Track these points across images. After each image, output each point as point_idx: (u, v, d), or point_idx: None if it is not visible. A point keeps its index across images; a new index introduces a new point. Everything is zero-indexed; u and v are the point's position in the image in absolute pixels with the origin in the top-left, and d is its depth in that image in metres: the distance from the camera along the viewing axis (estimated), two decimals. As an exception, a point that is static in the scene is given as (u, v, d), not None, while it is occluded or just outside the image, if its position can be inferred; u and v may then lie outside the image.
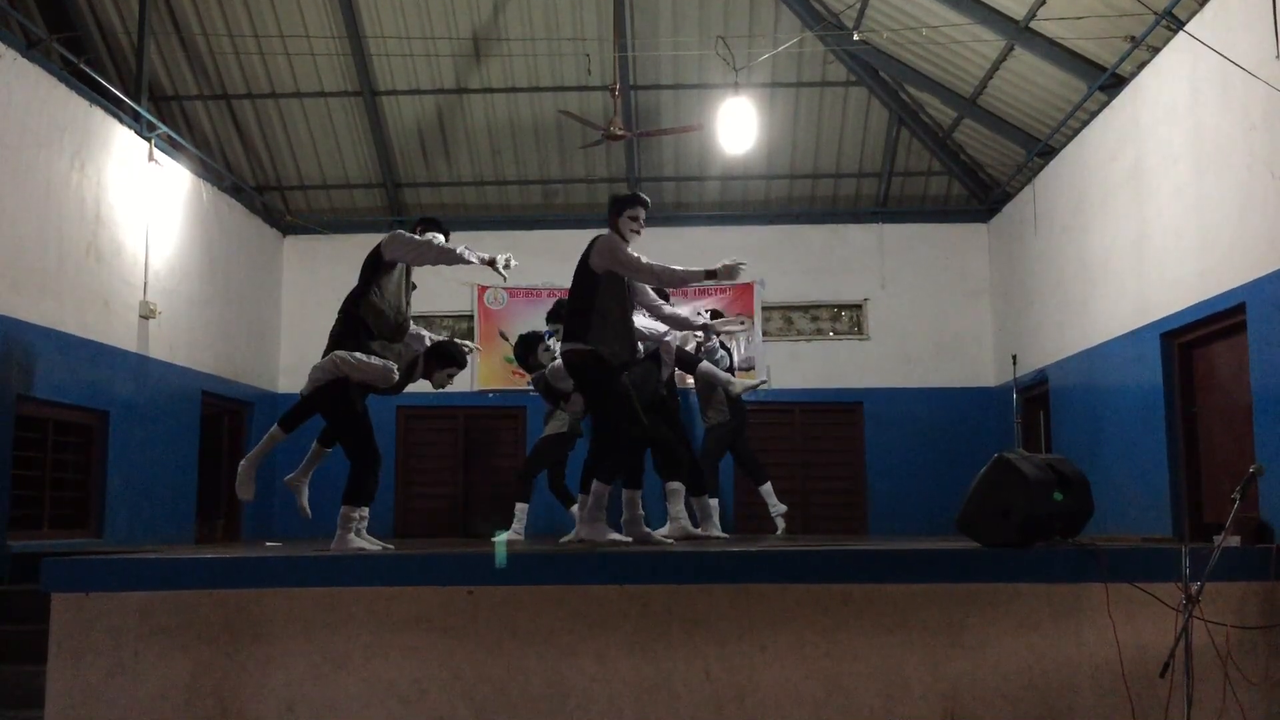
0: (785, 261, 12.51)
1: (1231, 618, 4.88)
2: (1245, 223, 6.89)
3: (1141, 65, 8.43)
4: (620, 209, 6.10)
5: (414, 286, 6.44)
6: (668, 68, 11.62)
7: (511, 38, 11.28)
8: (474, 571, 5.01)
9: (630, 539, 6.11)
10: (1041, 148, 10.49)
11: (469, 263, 5.93)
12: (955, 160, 12.27)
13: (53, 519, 8.42)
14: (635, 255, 6.00)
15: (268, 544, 7.39)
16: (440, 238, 6.32)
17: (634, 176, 12.47)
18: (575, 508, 8.23)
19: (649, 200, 6.27)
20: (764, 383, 9.99)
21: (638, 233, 6.12)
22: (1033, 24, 8.94)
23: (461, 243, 6.14)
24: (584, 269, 6.03)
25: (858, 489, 12.18)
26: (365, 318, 5.96)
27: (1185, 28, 7.47)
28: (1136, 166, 8.53)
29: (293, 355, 12.26)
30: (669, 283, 6.29)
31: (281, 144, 12.21)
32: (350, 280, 6.13)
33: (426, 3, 10.99)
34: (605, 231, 6.15)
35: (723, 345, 8.50)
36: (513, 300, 12.28)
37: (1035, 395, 11.09)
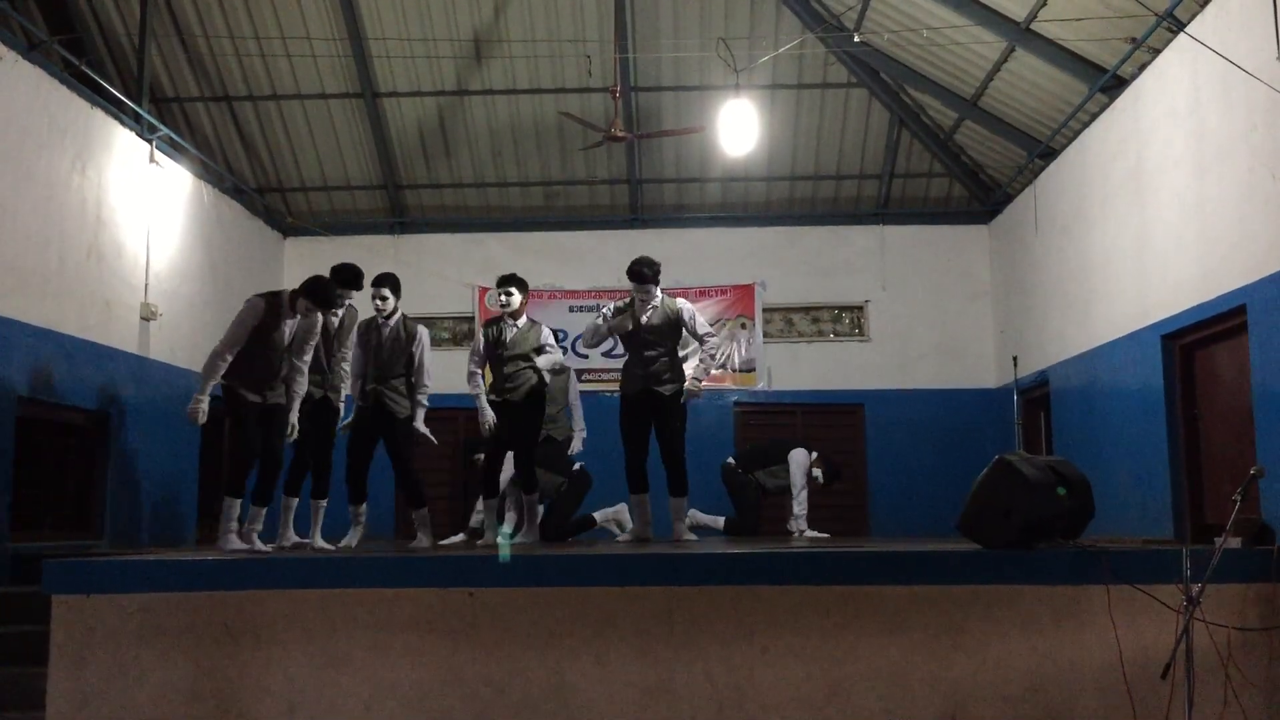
0: (786, 263, 12.53)
1: (1233, 619, 4.88)
2: (1246, 224, 6.89)
3: (1142, 67, 8.43)
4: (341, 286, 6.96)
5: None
6: (668, 69, 11.62)
7: (512, 39, 11.28)
8: (475, 573, 5.01)
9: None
10: (1042, 149, 10.49)
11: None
12: (956, 162, 12.27)
13: (54, 520, 8.42)
14: (239, 330, 6.47)
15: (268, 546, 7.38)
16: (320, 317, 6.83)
17: (635, 178, 12.47)
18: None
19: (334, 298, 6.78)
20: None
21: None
22: (1033, 25, 8.94)
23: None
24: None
25: (859, 490, 12.16)
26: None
27: (1186, 29, 7.47)
28: (1137, 168, 8.53)
29: (293, 357, 12.25)
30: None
31: (282, 146, 12.21)
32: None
33: (428, 4, 10.98)
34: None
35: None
36: (513, 302, 12.26)
37: (1036, 397, 11.09)
